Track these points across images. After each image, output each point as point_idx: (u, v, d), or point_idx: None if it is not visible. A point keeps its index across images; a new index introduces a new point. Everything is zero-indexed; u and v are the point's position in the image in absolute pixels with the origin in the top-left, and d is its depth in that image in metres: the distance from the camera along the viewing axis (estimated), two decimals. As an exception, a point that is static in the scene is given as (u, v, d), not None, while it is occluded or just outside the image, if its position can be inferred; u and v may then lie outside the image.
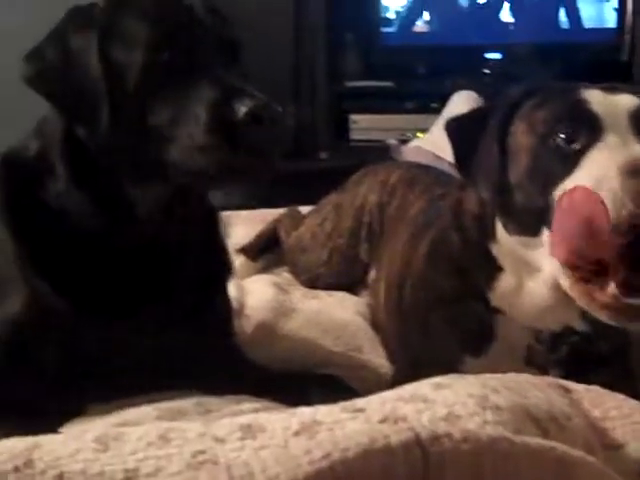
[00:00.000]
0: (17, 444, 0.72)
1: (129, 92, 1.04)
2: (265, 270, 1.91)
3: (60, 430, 0.99)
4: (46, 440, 0.72)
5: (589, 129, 1.01)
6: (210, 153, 1.00)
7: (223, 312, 1.28)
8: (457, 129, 1.18)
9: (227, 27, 1.13)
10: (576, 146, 1.01)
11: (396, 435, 0.64)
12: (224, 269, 1.30)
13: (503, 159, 1.09)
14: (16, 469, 0.69)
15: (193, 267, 1.18)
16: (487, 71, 3.58)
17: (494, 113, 1.13)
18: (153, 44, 1.04)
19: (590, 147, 1.00)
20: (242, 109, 0.98)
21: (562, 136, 1.02)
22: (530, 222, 1.05)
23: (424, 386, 0.82)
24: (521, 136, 1.08)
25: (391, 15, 3.70)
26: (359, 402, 0.77)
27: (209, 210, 1.26)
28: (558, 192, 1.00)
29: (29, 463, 0.69)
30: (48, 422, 0.96)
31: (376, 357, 1.40)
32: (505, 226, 1.10)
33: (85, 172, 1.09)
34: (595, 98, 1.04)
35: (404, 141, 3.05)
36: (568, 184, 0.99)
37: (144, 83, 1.03)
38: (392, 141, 3.03)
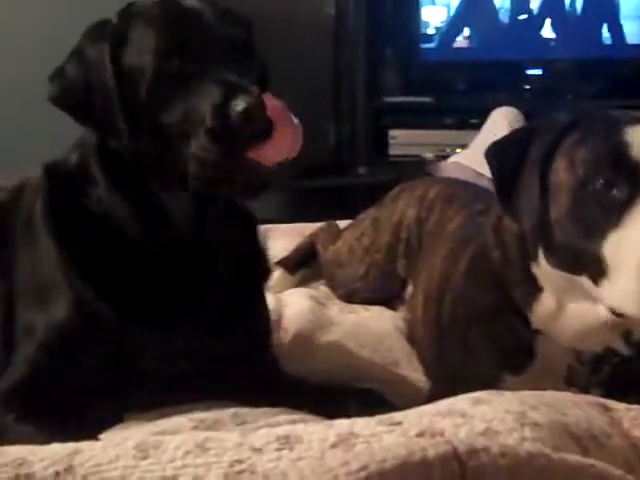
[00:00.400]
0: (58, 450, 0.74)
1: (142, 99, 1.06)
2: (302, 283, 1.91)
3: (99, 437, 1.00)
4: (87, 446, 0.73)
5: (630, 179, 0.98)
6: (211, 155, 1.01)
7: (261, 317, 1.29)
8: (497, 155, 1.15)
9: (239, 30, 1.14)
10: (618, 195, 0.99)
11: (433, 448, 0.64)
12: (262, 274, 1.30)
13: (544, 194, 1.07)
14: (57, 474, 0.70)
15: (230, 272, 1.19)
16: (528, 87, 3.55)
17: (535, 140, 1.10)
18: (163, 51, 1.06)
19: (634, 199, 0.98)
20: (237, 108, 1.00)
21: (602, 182, 1.00)
22: (572, 262, 1.04)
23: (462, 401, 0.81)
24: (562, 174, 1.06)
25: (431, 31, 3.70)
26: (396, 415, 0.77)
27: (246, 215, 1.27)
28: (609, 246, 0.98)
29: (70, 469, 0.70)
30: (88, 429, 0.98)
31: (413, 371, 1.40)
32: (546, 258, 1.09)
33: (121, 179, 1.12)
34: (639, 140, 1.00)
35: (443, 157, 3.05)
36: (620, 241, 0.97)
37: (156, 90, 1.06)
38: (430, 156, 3.02)
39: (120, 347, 1.10)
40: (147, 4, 1.12)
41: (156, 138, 1.06)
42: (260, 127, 1.01)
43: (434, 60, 3.68)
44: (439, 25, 3.70)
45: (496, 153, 1.16)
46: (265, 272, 1.32)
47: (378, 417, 0.76)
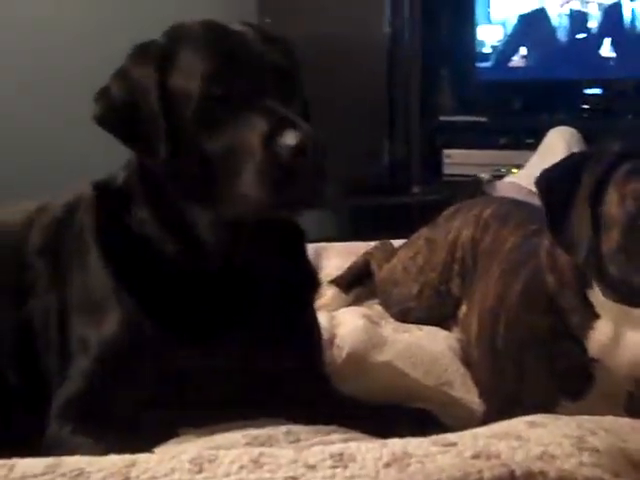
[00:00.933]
0: (115, 461, 0.75)
1: (187, 123, 1.07)
2: (356, 302, 1.91)
3: (154, 451, 1.01)
4: (143, 459, 0.74)
5: None
6: (258, 188, 1.01)
7: (310, 333, 1.29)
8: (548, 185, 1.14)
9: (283, 56, 1.14)
10: None
11: (489, 471, 0.63)
12: (309, 289, 1.30)
13: (596, 227, 1.05)
14: (113, 486, 0.71)
15: (276, 288, 1.19)
16: (586, 106, 3.50)
17: (586, 170, 1.08)
18: (210, 76, 1.07)
19: None
20: (287, 143, 1.00)
21: None
22: (627, 294, 1.03)
23: (517, 424, 0.80)
24: (613, 208, 1.05)
25: (487, 49, 3.68)
26: (450, 436, 0.76)
27: (293, 230, 1.26)
28: None
29: (126, 481, 0.71)
30: (143, 442, 0.99)
31: (467, 393, 1.38)
32: (601, 290, 1.07)
33: (160, 200, 1.13)
34: None
35: (498, 177, 3.02)
36: None
37: (201, 114, 1.06)
38: (486, 176, 3.00)
39: (169, 364, 1.11)
40: (193, 26, 1.13)
41: (199, 162, 1.07)
42: (309, 163, 1.01)
43: (490, 79, 3.66)
44: (495, 44, 3.68)
45: (547, 183, 1.14)
46: (313, 287, 1.31)
47: (432, 437, 0.75)
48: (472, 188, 2.40)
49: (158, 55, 1.10)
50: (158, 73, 1.09)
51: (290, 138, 1.00)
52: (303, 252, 1.29)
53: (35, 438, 1.07)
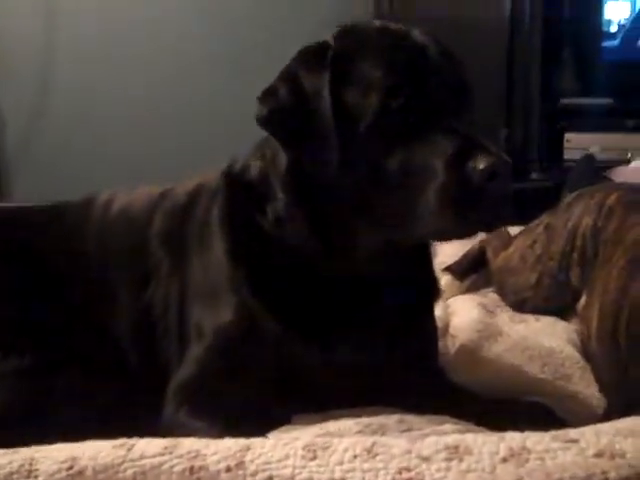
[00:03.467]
0: (230, 445, 0.76)
1: (361, 135, 1.03)
2: (471, 290, 1.88)
3: (268, 436, 1.03)
4: (257, 444, 0.75)
5: None
6: (443, 211, 0.98)
7: (428, 336, 1.27)
8: None
9: (460, 71, 1.10)
10: None
11: (615, 471, 0.61)
12: (431, 294, 1.28)
13: None
14: (228, 469, 0.73)
15: (400, 293, 1.17)
16: None
17: None
18: (388, 89, 1.03)
19: None
20: (480, 167, 0.96)
21: None
22: None
23: (643, 422, 0.76)
24: None
25: (613, 28, 3.52)
26: (571, 432, 0.74)
27: None
28: None
29: (241, 465, 0.72)
30: (257, 427, 1.00)
31: (586, 387, 1.33)
32: None
33: (307, 204, 1.11)
34: None
35: (625, 161, 2.90)
36: None
37: (377, 126, 1.03)
38: (595, 150, 2.85)
39: (283, 357, 1.12)
40: (369, 31, 1.10)
41: (370, 177, 1.03)
42: (499, 188, 0.98)
43: (616, 59, 3.50)
44: (622, 22, 3.52)
45: None
46: (433, 295, 1.29)
47: (552, 433, 0.73)
48: (582, 166, 2.28)
49: (332, 61, 1.07)
50: (332, 81, 1.05)
51: (482, 162, 0.97)
52: (428, 257, 1.27)
53: (153, 419, 1.10)
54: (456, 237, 1.07)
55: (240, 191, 1.19)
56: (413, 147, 1.01)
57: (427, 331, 1.27)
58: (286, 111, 1.08)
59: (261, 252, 1.14)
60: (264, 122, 1.09)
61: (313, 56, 1.10)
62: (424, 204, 0.99)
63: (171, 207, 1.27)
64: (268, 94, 1.10)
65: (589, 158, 2.78)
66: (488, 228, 1.08)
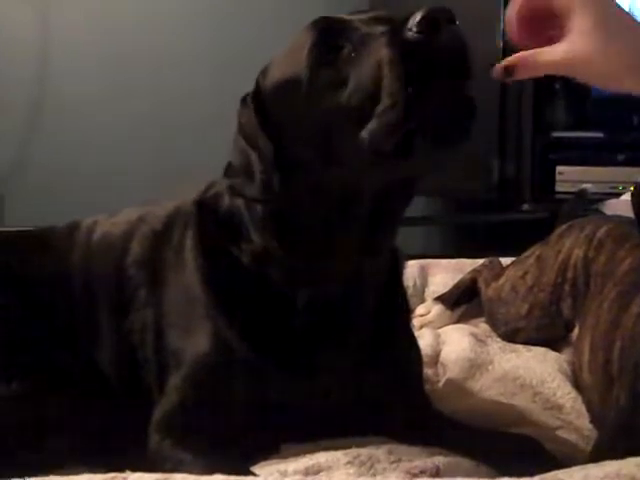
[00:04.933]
0: (220, 481, 0.75)
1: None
2: (462, 320, 1.88)
3: (256, 468, 1.02)
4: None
5: None
6: (398, 81, 0.89)
7: (406, 353, 1.25)
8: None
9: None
10: None
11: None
12: (401, 313, 1.26)
13: None
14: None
15: (373, 311, 1.15)
16: None
17: None
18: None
19: None
20: (416, 19, 0.87)
21: None
22: None
23: (631, 466, 0.75)
24: None
25: (604, 64, 3.56)
26: (560, 474, 0.73)
27: (393, 252, 1.20)
28: None
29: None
30: (244, 458, 0.99)
31: (577, 418, 1.32)
32: None
33: (285, 244, 1.08)
34: None
35: (615, 195, 2.91)
36: None
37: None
38: (589, 187, 2.87)
39: (262, 387, 1.10)
40: None
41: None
42: (451, 41, 0.88)
43: (607, 94, 3.53)
44: (613, 57, 3.56)
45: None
46: (403, 313, 1.27)
47: (542, 476, 0.72)
48: (576, 201, 2.30)
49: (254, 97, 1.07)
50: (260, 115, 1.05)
51: (417, 15, 0.88)
52: (400, 274, 1.26)
53: (140, 448, 1.09)
54: (416, 152, 0.93)
55: (211, 222, 1.17)
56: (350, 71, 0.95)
57: (407, 352, 1.25)
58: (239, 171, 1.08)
59: (235, 281, 1.13)
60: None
61: (242, 102, 1.10)
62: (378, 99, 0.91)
63: (148, 232, 1.25)
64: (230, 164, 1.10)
65: (583, 192, 2.80)
66: (450, 135, 0.94)
